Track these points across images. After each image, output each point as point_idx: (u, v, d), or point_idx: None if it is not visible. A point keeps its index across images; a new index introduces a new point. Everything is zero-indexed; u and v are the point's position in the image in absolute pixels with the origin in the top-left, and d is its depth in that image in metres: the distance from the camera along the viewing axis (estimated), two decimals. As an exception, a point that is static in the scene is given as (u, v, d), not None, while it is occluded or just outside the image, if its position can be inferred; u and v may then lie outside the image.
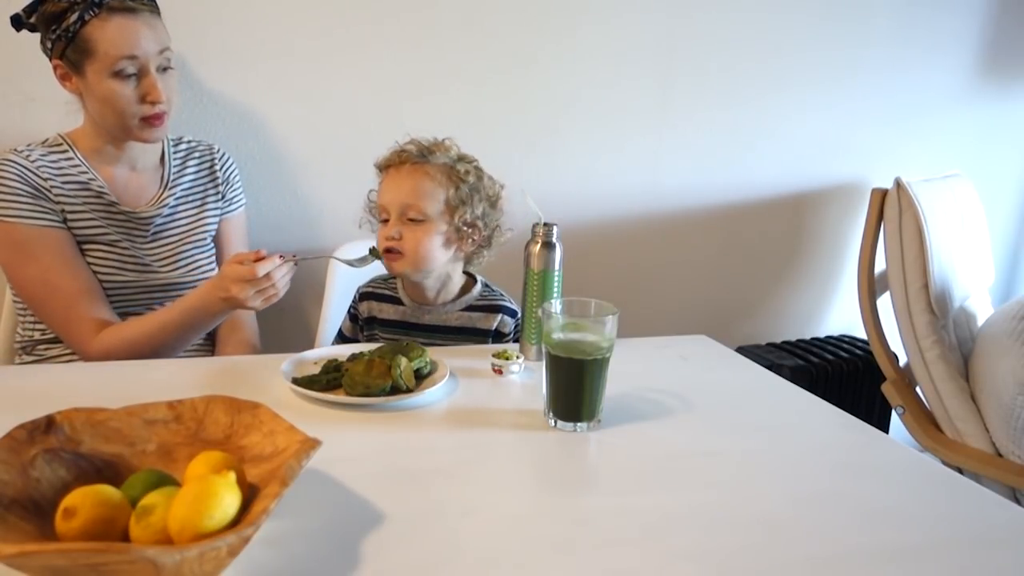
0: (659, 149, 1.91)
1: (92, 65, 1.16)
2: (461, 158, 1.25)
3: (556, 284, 1.14)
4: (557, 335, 0.93)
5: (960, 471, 1.59)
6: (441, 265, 1.25)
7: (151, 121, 1.22)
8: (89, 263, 1.24)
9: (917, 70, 2.06)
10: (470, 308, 1.30)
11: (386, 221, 1.23)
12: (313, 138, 1.65)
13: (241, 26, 1.55)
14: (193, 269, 1.34)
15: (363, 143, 1.68)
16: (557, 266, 1.14)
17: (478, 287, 1.32)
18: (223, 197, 1.42)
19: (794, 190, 2.05)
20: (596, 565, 0.66)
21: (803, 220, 2.09)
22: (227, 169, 1.43)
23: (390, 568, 0.65)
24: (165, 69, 1.22)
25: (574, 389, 0.92)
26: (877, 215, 1.81)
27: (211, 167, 1.41)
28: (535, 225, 1.14)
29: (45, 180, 1.20)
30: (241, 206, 1.46)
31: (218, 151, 1.43)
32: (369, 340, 1.31)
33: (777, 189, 2.03)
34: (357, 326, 1.34)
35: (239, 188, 1.45)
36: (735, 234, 2.03)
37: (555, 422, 0.94)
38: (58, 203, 1.21)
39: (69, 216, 1.22)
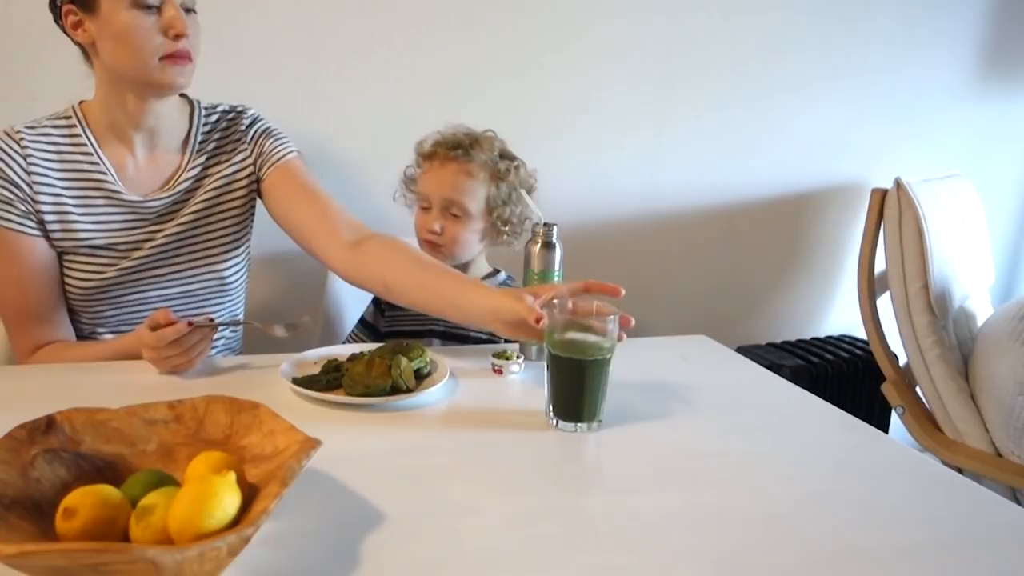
0: (659, 149, 1.91)
1: None
2: (503, 155, 1.32)
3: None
4: (558, 335, 0.93)
5: (960, 471, 1.59)
6: (476, 254, 1.35)
7: (175, 59, 1.07)
8: (64, 274, 1.17)
9: (917, 70, 2.06)
10: None
11: (426, 208, 1.31)
12: (316, 139, 1.65)
13: (241, 25, 1.55)
14: (196, 264, 1.22)
15: (368, 144, 1.70)
16: (557, 266, 1.14)
17: (501, 276, 1.40)
18: (262, 153, 1.24)
19: (794, 190, 2.05)
20: (596, 565, 0.66)
21: (803, 220, 2.09)
22: (258, 126, 1.26)
23: (390, 568, 0.65)
24: (189, 10, 1.09)
25: (575, 389, 0.92)
26: (877, 215, 1.81)
27: (237, 128, 1.24)
28: (535, 225, 1.14)
29: (30, 174, 1.10)
30: (291, 152, 1.25)
31: (248, 110, 1.27)
32: (391, 324, 1.37)
33: (777, 189, 2.03)
34: (379, 311, 1.39)
35: (283, 138, 1.26)
36: (735, 234, 2.03)
37: (556, 422, 0.94)
38: (38, 203, 1.11)
39: (48, 219, 1.12)
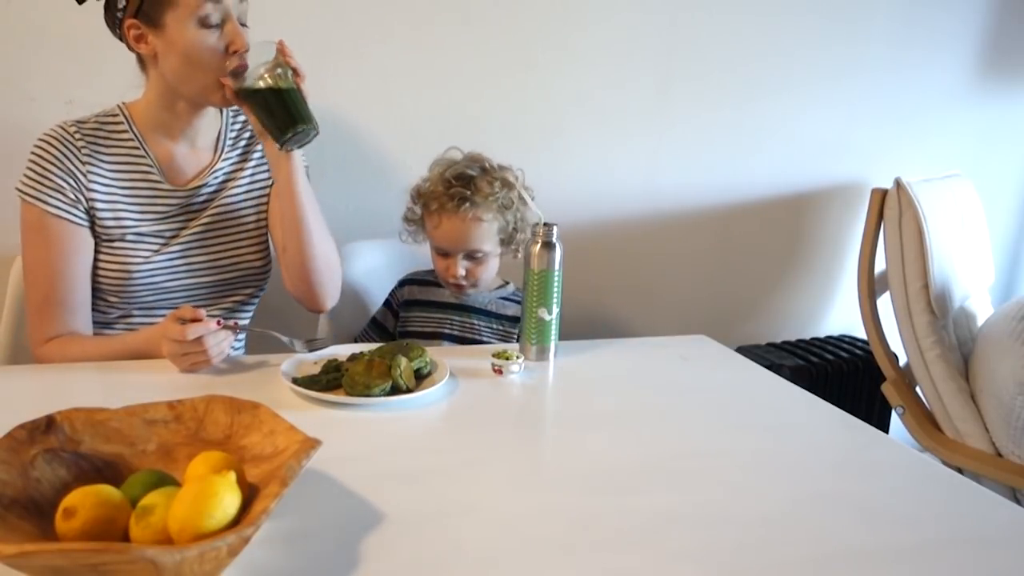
0: (659, 149, 1.91)
1: (173, 13, 1.10)
2: (502, 183, 1.32)
3: (556, 284, 1.14)
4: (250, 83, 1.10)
5: (960, 471, 1.59)
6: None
7: (233, 75, 1.14)
8: (110, 258, 1.20)
9: (917, 70, 2.06)
10: (504, 299, 1.39)
11: (445, 255, 1.34)
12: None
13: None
14: (229, 251, 1.28)
15: (365, 144, 1.70)
16: (557, 266, 1.14)
17: (511, 287, 1.42)
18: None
19: (794, 190, 2.05)
20: (596, 565, 0.66)
21: (803, 220, 2.09)
22: None
23: (390, 568, 0.65)
24: (243, 25, 1.16)
25: (277, 110, 1.10)
26: (877, 215, 1.81)
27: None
28: (535, 225, 1.15)
29: (83, 163, 1.16)
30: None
31: None
32: (405, 324, 1.39)
33: (777, 189, 2.03)
34: (391, 312, 1.42)
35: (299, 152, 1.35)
36: (735, 234, 2.03)
37: (285, 147, 1.12)
38: (90, 191, 1.17)
39: (97, 208, 1.18)
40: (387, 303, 1.43)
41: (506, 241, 1.35)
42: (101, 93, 1.29)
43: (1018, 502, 1.17)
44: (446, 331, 1.37)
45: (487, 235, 1.31)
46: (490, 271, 1.36)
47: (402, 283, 1.43)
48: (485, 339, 1.37)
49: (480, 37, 1.70)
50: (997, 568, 0.69)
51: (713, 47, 1.87)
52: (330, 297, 1.27)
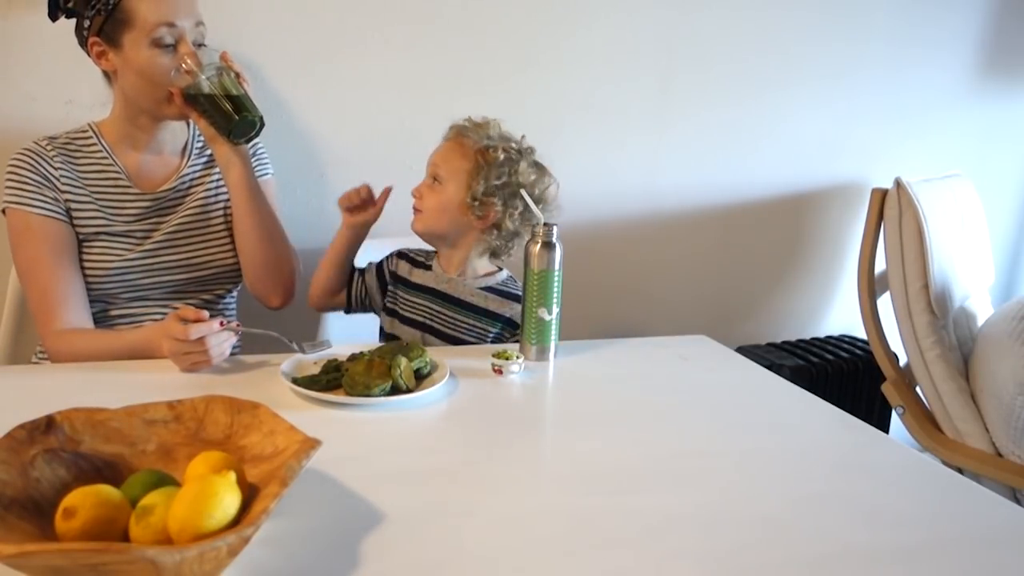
0: (659, 149, 1.91)
1: (130, 35, 1.16)
2: (502, 138, 1.32)
3: (556, 284, 1.14)
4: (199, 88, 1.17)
5: (960, 471, 1.58)
6: (453, 233, 1.31)
7: None
8: (89, 257, 1.24)
9: (917, 69, 2.06)
10: (489, 289, 1.34)
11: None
12: (310, 140, 1.65)
13: (240, 25, 1.55)
14: (201, 250, 1.32)
15: (363, 145, 1.70)
16: (557, 266, 1.14)
17: (502, 275, 1.37)
18: None
19: (794, 190, 2.05)
20: (596, 565, 0.66)
21: (803, 220, 2.09)
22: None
23: (390, 568, 0.65)
24: (199, 45, 1.22)
25: (225, 104, 1.18)
26: (877, 215, 1.81)
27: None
28: (535, 225, 1.15)
29: (56, 169, 1.22)
30: (266, 175, 1.40)
31: None
32: (393, 302, 1.37)
33: (777, 189, 2.03)
34: (379, 273, 1.41)
35: (265, 158, 1.41)
36: (735, 234, 2.03)
37: (236, 141, 1.21)
38: (64, 192, 1.22)
39: (73, 207, 1.23)
40: (378, 266, 1.41)
41: (474, 178, 1.26)
42: (101, 93, 1.29)
43: (1018, 502, 1.17)
44: (428, 322, 1.33)
45: (452, 161, 1.28)
46: (438, 207, 1.28)
47: (399, 254, 1.41)
48: (467, 339, 1.32)
49: (480, 37, 1.70)
50: (997, 568, 0.69)
51: (713, 46, 1.87)
52: (278, 295, 1.33)
